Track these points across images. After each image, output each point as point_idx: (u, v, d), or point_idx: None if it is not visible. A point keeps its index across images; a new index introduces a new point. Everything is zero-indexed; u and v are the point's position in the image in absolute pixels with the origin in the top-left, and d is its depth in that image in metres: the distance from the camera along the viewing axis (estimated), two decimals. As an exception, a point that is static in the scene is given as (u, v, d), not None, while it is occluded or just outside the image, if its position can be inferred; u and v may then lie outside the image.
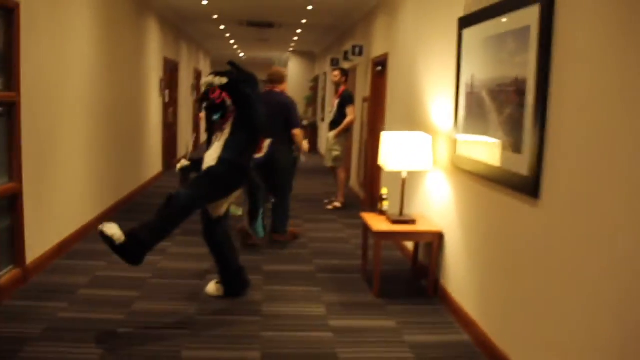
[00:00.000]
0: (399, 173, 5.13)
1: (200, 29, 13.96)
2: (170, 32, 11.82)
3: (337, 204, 8.84)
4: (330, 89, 14.05)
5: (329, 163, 8.88)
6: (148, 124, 9.83)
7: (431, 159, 4.97)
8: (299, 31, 13.62)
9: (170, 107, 11.88)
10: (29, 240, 4.80)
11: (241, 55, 22.16)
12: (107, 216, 6.86)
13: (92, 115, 6.54)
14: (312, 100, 18.67)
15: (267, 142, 5.69)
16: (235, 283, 4.72)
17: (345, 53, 9.77)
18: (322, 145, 16.01)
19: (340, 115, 8.59)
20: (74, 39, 5.91)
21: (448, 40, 4.68)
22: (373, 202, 8.51)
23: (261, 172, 5.68)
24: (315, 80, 18.44)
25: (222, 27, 13.41)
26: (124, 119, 8.07)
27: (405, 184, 5.07)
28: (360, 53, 8.75)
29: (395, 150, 4.92)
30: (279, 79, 6.32)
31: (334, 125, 8.73)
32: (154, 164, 10.33)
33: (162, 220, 3.97)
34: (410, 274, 5.49)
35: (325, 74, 15.62)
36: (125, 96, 8.11)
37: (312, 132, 17.54)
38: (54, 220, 5.43)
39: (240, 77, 4.40)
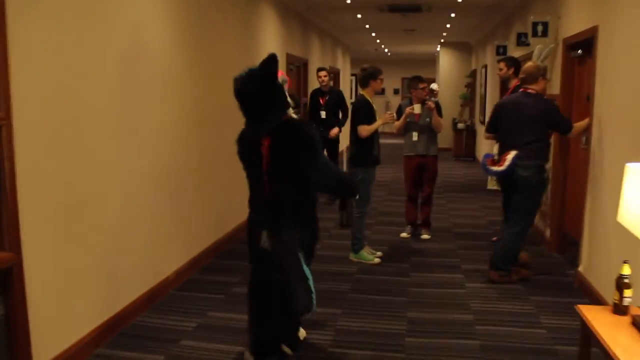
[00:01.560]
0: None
1: (333, 19, 11.85)
2: (296, 23, 9.80)
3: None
4: (492, 84, 11.32)
5: (491, 184, 6.38)
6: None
7: None
8: (452, 15, 11.05)
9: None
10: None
11: (385, 50, 19.87)
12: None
13: (162, 138, 4.60)
14: (469, 99, 15.93)
15: (510, 155, 4.97)
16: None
17: (520, 36, 7.15)
18: (482, 154, 13.27)
19: None
20: (131, 26, 3.96)
21: None
22: (562, 244, 5.88)
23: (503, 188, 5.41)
24: (473, 75, 15.68)
25: (359, 15, 11.20)
26: (221, 141, 6.11)
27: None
28: (545, 33, 6.11)
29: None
30: (533, 77, 5.09)
31: None
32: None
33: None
34: None
35: (485, 67, 12.89)
36: (223, 109, 6.15)
37: (468, 137, 14.85)
38: (80, 307, 3.48)
39: None
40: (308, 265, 3.34)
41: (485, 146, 12.27)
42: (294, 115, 3.40)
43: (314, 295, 3.22)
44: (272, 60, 3.18)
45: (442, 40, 16.52)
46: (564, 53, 5.80)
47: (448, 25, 12.75)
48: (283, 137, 3.19)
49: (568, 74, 5.78)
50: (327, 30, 12.98)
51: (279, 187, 3.26)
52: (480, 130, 13.73)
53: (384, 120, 5.64)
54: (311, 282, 3.22)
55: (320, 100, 8.37)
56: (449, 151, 15.12)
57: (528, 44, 7.06)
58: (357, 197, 3.91)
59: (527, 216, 5.12)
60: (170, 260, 4.93)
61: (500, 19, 10.70)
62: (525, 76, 5.13)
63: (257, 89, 3.16)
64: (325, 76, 8.33)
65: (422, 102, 6.47)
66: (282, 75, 3.31)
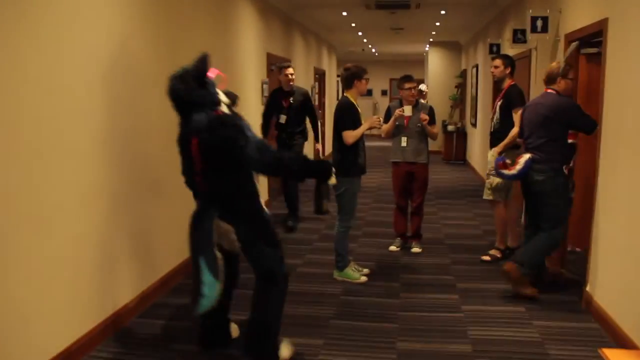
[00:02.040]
0: None
1: (317, 17, 11.33)
2: (277, 22, 9.26)
3: (496, 253, 5.98)
4: (484, 85, 10.84)
5: (487, 194, 5.88)
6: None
7: None
8: (443, 12, 10.56)
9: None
10: None
11: (373, 50, 19.39)
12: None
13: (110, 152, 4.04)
14: (459, 100, 15.46)
15: (524, 158, 4.73)
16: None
17: (516, 33, 6.65)
18: (473, 157, 12.79)
19: (504, 123, 5.68)
20: (84, 29, 3.41)
21: None
22: (564, 259, 5.37)
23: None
24: (463, 75, 15.22)
25: (344, 13, 10.68)
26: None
27: None
28: (544, 28, 5.61)
29: None
30: (551, 77, 4.79)
31: (495, 137, 5.80)
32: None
33: None
34: None
35: (476, 66, 12.41)
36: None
37: (459, 140, 14.38)
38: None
39: None
40: (259, 254, 3.47)
41: (478, 149, 11.80)
42: (226, 111, 3.37)
43: (202, 299, 3.20)
44: (201, 60, 3.28)
45: (431, 40, 16.04)
46: (568, 50, 5.30)
47: (437, 23, 12.28)
48: (207, 134, 3.21)
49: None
50: (312, 29, 12.44)
51: (212, 184, 3.33)
52: (472, 132, 13.26)
53: (371, 124, 5.11)
54: (205, 285, 3.19)
55: (283, 103, 7.03)
56: (438, 154, 14.63)
57: (525, 42, 6.56)
58: (334, 180, 3.55)
59: (552, 225, 4.69)
60: (131, 283, 4.38)
61: (492, 15, 10.21)
62: (545, 77, 4.82)
63: (184, 88, 3.23)
64: (292, 74, 7.00)
65: (415, 104, 5.97)
66: (218, 74, 3.43)
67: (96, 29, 3.85)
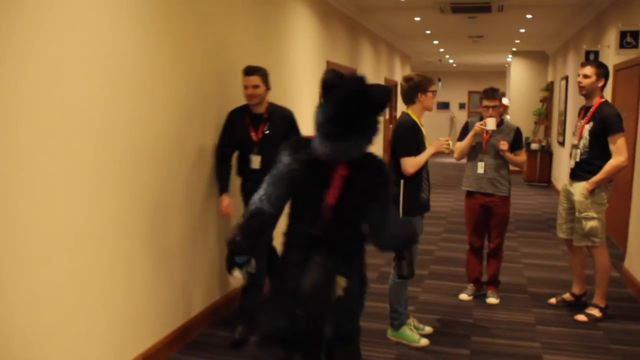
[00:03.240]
0: None
1: (387, 22, 10.32)
2: (341, 27, 8.32)
3: (594, 312, 4.76)
4: (574, 99, 9.51)
5: (578, 240, 4.72)
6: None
7: None
8: (529, 17, 9.34)
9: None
10: None
11: (450, 61, 18.18)
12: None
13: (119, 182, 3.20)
14: (544, 115, 14.03)
15: None
16: None
17: (624, 36, 5.42)
18: (560, 179, 11.37)
19: (595, 152, 4.55)
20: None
21: None
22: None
23: None
24: (549, 88, 13.79)
25: (417, 17, 9.64)
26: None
27: None
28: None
29: None
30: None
31: (582, 169, 4.66)
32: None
33: None
34: None
35: (565, 78, 11.05)
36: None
37: (543, 159, 12.98)
38: None
39: None
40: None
41: (565, 170, 10.45)
42: None
43: None
44: (390, 92, 2.62)
45: (513, 49, 14.70)
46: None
47: (522, 30, 11.02)
48: (364, 171, 2.59)
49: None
50: (382, 35, 11.43)
51: (342, 225, 2.62)
52: (558, 151, 11.87)
53: (437, 148, 4.07)
54: None
55: (251, 132, 4.27)
56: (519, 174, 13.25)
57: (637, 46, 5.34)
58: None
59: None
60: (143, 335, 3.52)
61: (588, 19, 8.89)
62: None
63: (370, 103, 2.50)
64: (255, 86, 4.18)
65: (499, 123, 4.89)
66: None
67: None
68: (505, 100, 6.97)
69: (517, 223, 8.44)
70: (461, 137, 5.04)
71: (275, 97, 5.38)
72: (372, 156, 2.63)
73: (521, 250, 6.96)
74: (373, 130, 2.51)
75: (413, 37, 12.41)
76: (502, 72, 19.32)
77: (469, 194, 5.04)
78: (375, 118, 2.51)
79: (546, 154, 13.02)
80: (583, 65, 4.73)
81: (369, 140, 2.54)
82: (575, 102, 9.61)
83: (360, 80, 2.51)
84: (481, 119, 4.94)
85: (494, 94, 4.85)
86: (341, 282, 2.58)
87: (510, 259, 6.26)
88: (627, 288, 5.53)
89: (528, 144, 13.41)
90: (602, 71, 4.60)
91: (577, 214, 4.68)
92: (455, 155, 5.05)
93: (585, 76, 4.60)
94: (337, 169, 2.54)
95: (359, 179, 2.55)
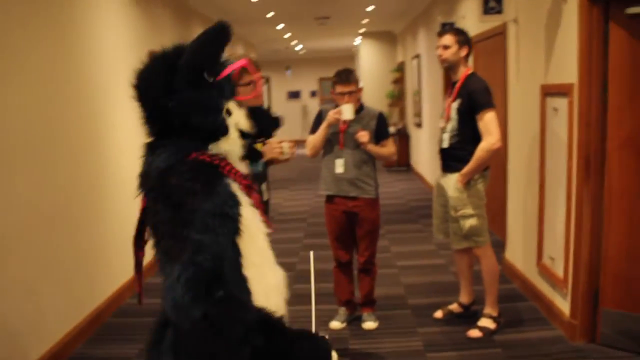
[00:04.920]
0: None
1: (223, 6, 9.20)
2: (164, 10, 7.09)
3: (488, 324, 4.04)
4: (430, 77, 8.98)
5: (456, 242, 3.99)
6: (117, 168, 5.12)
7: None
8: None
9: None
10: None
11: (298, 48, 17.38)
12: None
13: None
14: (398, 97, 13.60)
15: None
16: None
17: (487, 0, 4.70)
18: (420, 163, 10.90)
19: (465, 134, 3.85)
20: None
21: None
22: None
23: None
24: (400, 68, 13.37)
25: (254, -2, 8.61)
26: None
27: None
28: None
29: None
30: None
31: (451, 157, 3.95)
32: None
33: None
34: None
35: (417, 56, 10.56)
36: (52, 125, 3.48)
37: (401, 143, 12.52)
38: None
39: None
40: None
41: (425, 152, 9.97)
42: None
43: None
44: (213, 33, 1.86)
45: (361, 31, 14.15)
46: (583, 9, 3.43)
47: (369, 9, 10.35)
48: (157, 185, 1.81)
49: (596, 48, 3.42)
50: (215, 18, 10.22)
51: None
52: (416, 133, 11.42)
53: (269, 154, 3.10)
54: None
55: None
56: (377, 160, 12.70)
57: (500, 11, 4.67)
58: None
59: None
60: None
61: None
62: None
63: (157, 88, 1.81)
64: None
65: (358, 109, 4.00)
66: (244, 65, 2.25)
67: None
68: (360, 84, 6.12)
69: (383, 215, 7.64)
70: (314, 129, 4.10)
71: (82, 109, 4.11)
72: (181, 161, 1.85)
73: (392, 249, 6.20)
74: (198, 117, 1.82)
75: (254, 22, 11.36)
76: (351, 56, 18.89)
77: (329, 198, 4.12)
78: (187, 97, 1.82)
79: (403, 137, 12.57)
80: (440, 34, 4.01)
81: (199, 138, 1.85)
82: (430, 80, 9.09)
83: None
84: (336, 106, 4.02)
85: (348, 77, 3.94)
86: None
87: (383, 263, 5.45)
88: (512, 283, 4.91)
89: (385, 128, 12.93)
90: (462, 38, 3.92)
91: (452, 212, 3.92)
92: (307, 151, 4.12)
93: (445, 47, 3.90)
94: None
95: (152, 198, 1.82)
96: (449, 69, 3.99)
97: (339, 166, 4.01)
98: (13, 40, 3.67)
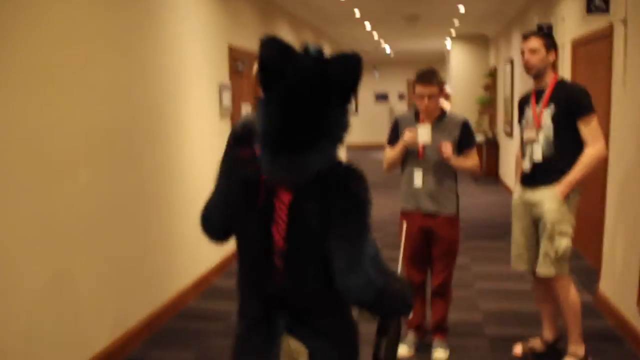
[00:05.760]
0: None
1: (309, 3, 8.95)
2: (246, 5, 6.90)
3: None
4: (523, 83, 8.37)
5: (545, 267, 3.53)
6: (190, 175, 4.97)
7: None
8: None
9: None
10: None
11: (387, 49, 16.98)
12: None
13: None
14: (489, 103, 12.96)
15: None
16: None
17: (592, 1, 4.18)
18: (509, 174, 10.24)
19: (563, 144, 3.42)
20: None
21: None
22: None
23: None
24: (493, 74, 12.73)
25: (341, -5, 8.30)
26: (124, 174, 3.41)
27: None
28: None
29: None
30: None
31: (547, 169, 3.51)
32: (202, 251, 5.20)
33: None
34: None
35: (511, 62, 9.95)
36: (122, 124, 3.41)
37: (489, 153, 11.91)
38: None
39: None
40: None
41: (513, 163, 9.36)
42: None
43: None
44: (360, 61, 1.76)
45: (452, 33, 13.59)
46: None
47: (461, 8, 9.83)
48: (317, 190, 1.77)
49: None
50: (306, 19, 10.01)
51: (299, 277, 1.82)
52: (506, 143, 10.79)
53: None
54: None
55: None
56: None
57: (607, 10, 4.14)
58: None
59: None
60: None
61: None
62: None
63: (335, 87, 1.75)
64: None
65: (439, 117, 3.63)
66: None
67: None
68: (447, 88, 5.66)
69: (465, 230, 7.22)
70: (391, 139, 3.76)
71: (157, 99, 3.95)
72: (337, 167, 1.82)
73: (473, 268, 5.74)
74: (343, 127, 1.80)
75: (342, 21, 11.09)
76: (441, 60, 18.28)
77: (406, 215, 3.74)
78: (344, 108, 1.79)
79: (492, 146, 11.94)
80: (525, 37, 3.59)
81: (338, 143, 1.81)
82: (521, 87, 8.50)
83: (318, 54, 1.74)
84: (416, 114, 3.65)
85: (430, 77, 3.56)
86: None
87: (460, 283, 5.02)
88: (604, 319, 4.35)
89: (472, 136, 12.35)
90: (550, 41, 3.53)
91: (547, 228, 3.45)
92: (384, 166, 3.78)
93: (533, 51, 3.49)
94: (279, 194, 1.78)
95: (310, 204, 1.77)
96: (536, 76, 3.56)
97: (418, 179, 3.64)
98: (89, 35, 3.55)
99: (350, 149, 15.50)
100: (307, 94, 1.71)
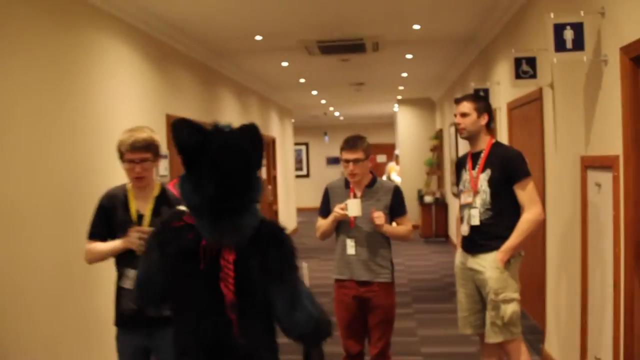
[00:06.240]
0: None
1: (250, 69, 9.01)
2: (182, 70, 6.89)
3: None
4: (465, 146, 8.48)
5: (493, 334, 3.47)
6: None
7: None
8: (409, 56, 8.32)
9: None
10: None
11: (336, 114, 17.22)
12: None
13: None
14: (436, 165, 13.15)
15: None
16: None
17: (519, 64, 4.29)
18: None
19: (500, 207, 3.48)
20: None
21: None
22: None
23: None
24: (439, 136, 12.97)
25: (284, 63, 8.40)
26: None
27: None
28: (578, 44, 3.27)
29: None
30: None
31: (485, 234, 3.49)
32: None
33: None
34: None
35: (454, 124, 10.13)
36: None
37: (438, 213, 12.03)
38: None
39: None
40: None
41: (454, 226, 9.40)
42: None
43: None
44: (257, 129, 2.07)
45: (399, 97, 13.88)
46: (626, 71, 2.96)
47: (404, 74, 10.07)
48: (256, 244, 2.03)
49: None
50: (250, 86, 10.05)
51: (248, 326, 2.04)
52: (454, 203, 10.88)
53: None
54: None
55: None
56: (414, 229, 12.15)
57: (534, 75, 4.24)
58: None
59: None
60: None
61: (471, 59, 7.99)
62: None
63: (252, 154, 2.04)
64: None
65: (370, 184, 3.60)
66: None
67: None
68: (396, 151, 5.70)
69: (412, 293, 7.17)
70: (322, 209, 3.72)
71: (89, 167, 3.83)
72: (264, 223, 2.09)
73: (419, 332, 5.62)
74: (260, 189, 2.07)
75: (287, 87, 11.21)
76: (391, 123, 18.61)
77: (340, 283, 3.65)
78: (258, 172, 2.07)
79: (441, 206, 12.05)
80: (457, 101, 3.68)
81: (258, 202, 2.10)
82: (465, 149, 8.62)
83: (229, 128, 2.01)
84: (346, 181, 3.62)
85: (355, 143, 3.55)
86: None
87: (405, 350, 4.90)
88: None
89: (422, 197, 12.45)
90: (482, 105, 3.59)
91: (491, 297, 3.39)
92: (317, 235, 3.73)
93: (464, 114, 3.57)
94: (223, 254, 1.98)
95: (253, 259, 2.01)
96: (469, 139, 3.59)
97: (350, 247, 3.57)
98: (23, 111, 3.45)
99: (301, 211, 15.43)
100: (234, 164, 1.94)
